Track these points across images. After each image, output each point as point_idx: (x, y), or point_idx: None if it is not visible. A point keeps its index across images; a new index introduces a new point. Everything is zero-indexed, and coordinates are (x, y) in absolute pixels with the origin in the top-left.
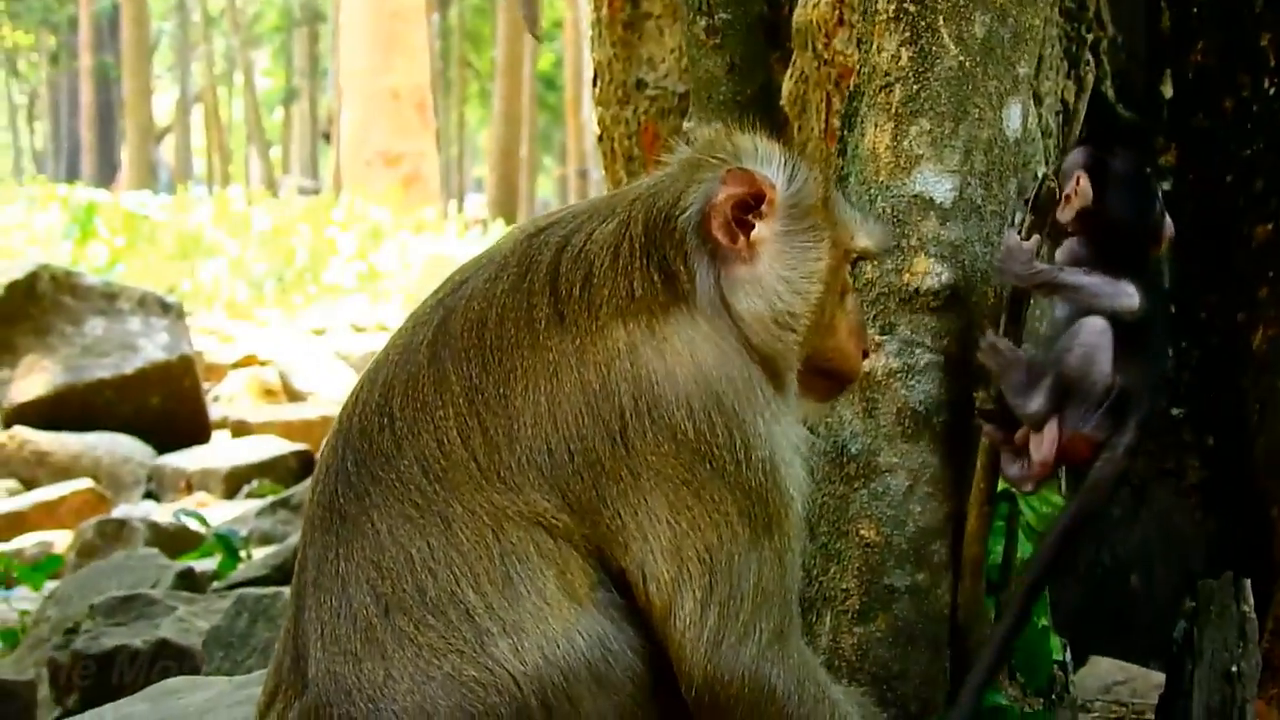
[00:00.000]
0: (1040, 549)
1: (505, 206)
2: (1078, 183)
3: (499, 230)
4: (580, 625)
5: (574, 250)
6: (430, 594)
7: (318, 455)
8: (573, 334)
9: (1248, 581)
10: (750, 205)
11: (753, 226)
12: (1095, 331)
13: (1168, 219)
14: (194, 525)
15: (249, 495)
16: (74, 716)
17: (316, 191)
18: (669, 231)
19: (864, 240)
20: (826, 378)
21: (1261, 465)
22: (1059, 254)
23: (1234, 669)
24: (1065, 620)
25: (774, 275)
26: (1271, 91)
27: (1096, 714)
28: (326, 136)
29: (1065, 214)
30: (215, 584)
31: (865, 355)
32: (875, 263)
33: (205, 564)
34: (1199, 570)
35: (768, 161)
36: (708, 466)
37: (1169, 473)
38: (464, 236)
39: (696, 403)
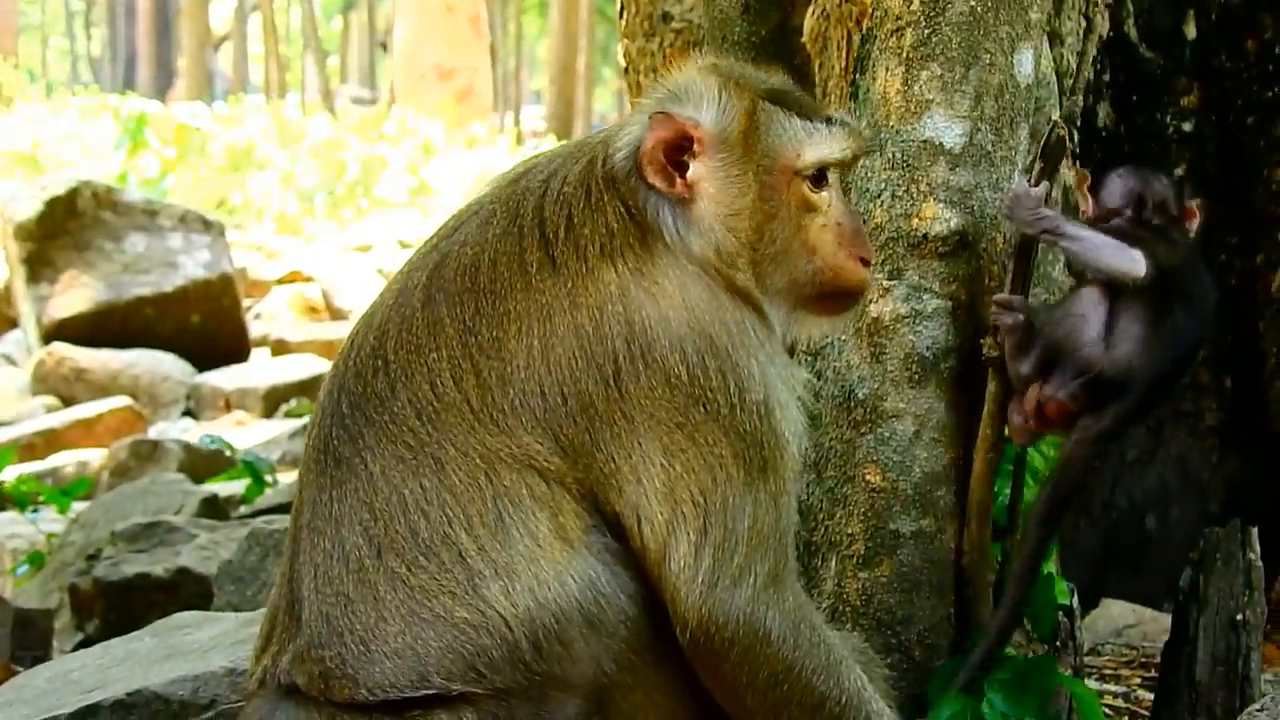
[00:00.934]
0: (1025, 536)
1: (563, 120)
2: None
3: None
4: (572, 568)
5: (554, 192)
6: (422, 535)
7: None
8: (564, 276)
9: (1254, 530)
10: (684, 146)
11: (688, 167)
12: (1086, 303)
13: (1187, 198)
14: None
15: (287, 414)
16: (83, 650)
17: (373, 102)
18: (623, 177)
19: (814, 153)
20: (831, 297)
21: (1278, 407)
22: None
23: (1239, 617)
24: (1080, 562)
25: (712, 213)
26: None
27: (1107, 657)
28: (384, 46)
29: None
30: (241, 509)
31: (866, 262)
32: (884, 207)
33: (233, 488)
34: (1215, 513)
35: (696, 99)
36: (702, 409)
37: (1186, 415)
38: (517, 151)
39: (690, 346)
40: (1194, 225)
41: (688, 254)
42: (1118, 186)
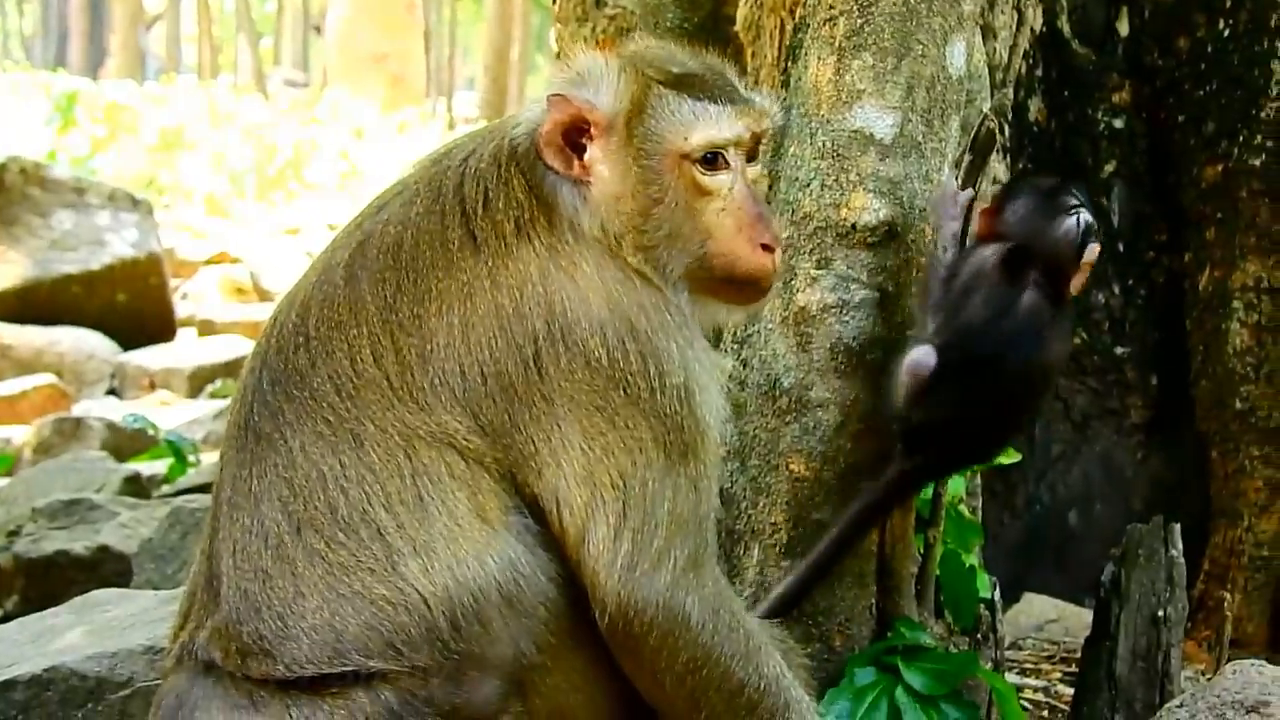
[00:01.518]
0: (814, 549)
1: (495, 107)
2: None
3: None
4: (491, 548)
5: (471, 169)
6: (341, 512)
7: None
8: (485, 255)
9: (1176, 526)
10: (582, 129)
11: (586, 149)
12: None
13: (1092, 244)
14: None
15: (212, 395)
16: (2, 624)
17: (306, 85)
18: (524, 153)
19: (701, 134)
20: (733, 284)
21: (1203, 406)
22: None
23: (1160, 613)
24: (1003, 556)
25: (606, 195)
26: (1226, 33)
27: (1028, 651)
28: (318, 30)
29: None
30: (164, 488)
31: (769, 249)
32: (813, 196)
33: (156, 467)
34: (1139, 510)
35: (595, 82)
36: (622, 393)
37: (1112, 412)
38: (449, 136)
39: (610, 329)
40: (1079, 281)
41: (584, 234)
42: (1017, 216)
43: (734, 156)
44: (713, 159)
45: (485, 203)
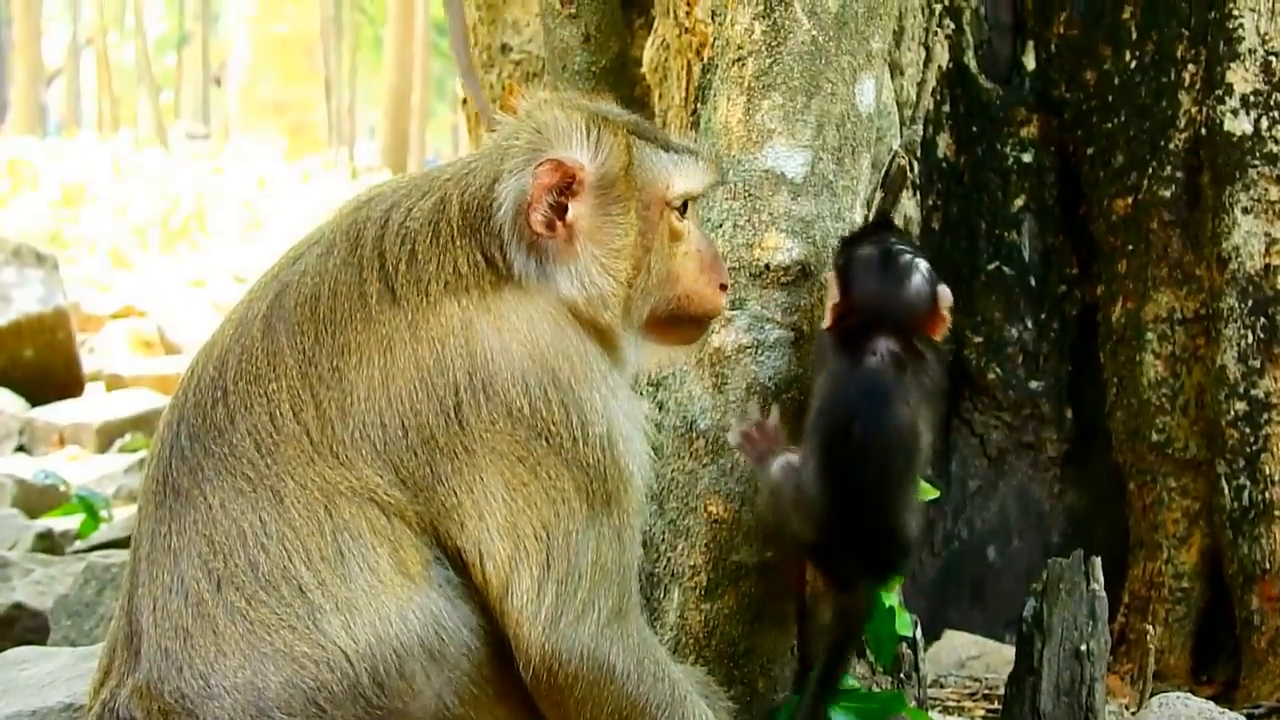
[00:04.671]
0: (806, 692)
1: (397, 154)
2: (828, 285)
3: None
4: (414, 602)
5: (395, 226)
6: (262, 569)
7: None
8: (405, 309)
9: (1097, 560)
10: (563, 188)
11: (566, 208)
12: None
13: (941, 290)
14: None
15: (122, 449)
16: None
17: (207, 137)
18: (484, 221)
19: (681, 185)
20: (686, 322)
21: (1119, 439)
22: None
23: (1083, 648)
24: (921, 593)
25: (588, 255)
26: (1133, 65)
27: (950, 689)
28: (218, 82)
29: (826, 322)
30: (77, 544)
31: (724, 288)
32: (726, 236)
33: (68, 523)
34: (1056, 544)
35: (572, 138)
36: (544, 443)
37: (1027, 446)
38: (352, 185)
39: (532, 379)
40: (942, 329)
41: (546, 295)
42: (861, 292)
43: (692, 203)
44: (683, 206)
45: (410, 260)
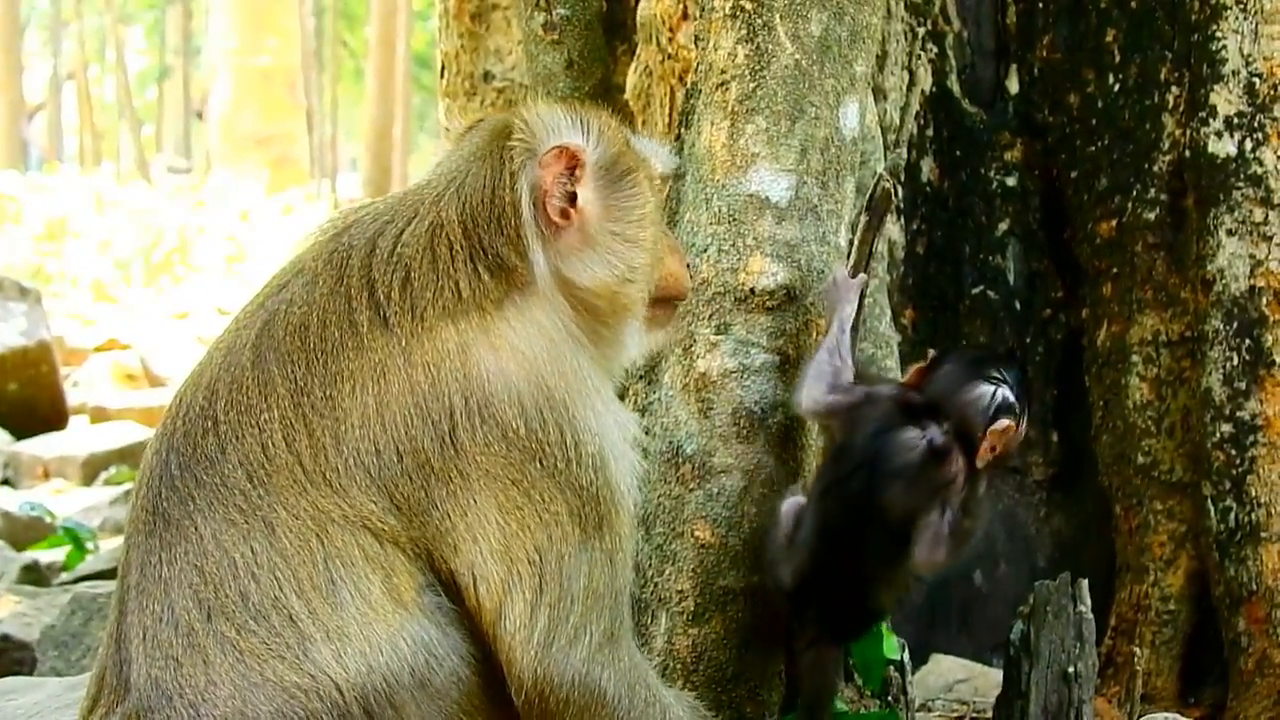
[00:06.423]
0: None
1: (379, 186)
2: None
3: None
4: (404, 631)
5: (383, 253)
6: (253, 599)
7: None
8: (398, 335)
9: (1085, 582)
10: (568, 175)
11: (574, 195)
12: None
13: (998, 421)
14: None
15: (107, 482)
16: None
17: (188, 171)
18: (497, 226)
19: (661, 165)
20: (662, 306)
21: (1105, 462)
22: None
23: (1071, 670)
24: (908, 618)
25: (606, 235)
26: (1116, 88)
27: (938, 713)
28: (200, 115)
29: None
30: (63, 576)
31: (689, 269)
32: (711, 261)
33: (54, 555)
34: (1043, 568)
35: (563, 127)
36: (538, 465)
37: (1013, 470)
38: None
39: (528, 400)
40: (984, 452)
41: (555, 294)
42: (941, 373)
43: None
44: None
45: (404, 287)
